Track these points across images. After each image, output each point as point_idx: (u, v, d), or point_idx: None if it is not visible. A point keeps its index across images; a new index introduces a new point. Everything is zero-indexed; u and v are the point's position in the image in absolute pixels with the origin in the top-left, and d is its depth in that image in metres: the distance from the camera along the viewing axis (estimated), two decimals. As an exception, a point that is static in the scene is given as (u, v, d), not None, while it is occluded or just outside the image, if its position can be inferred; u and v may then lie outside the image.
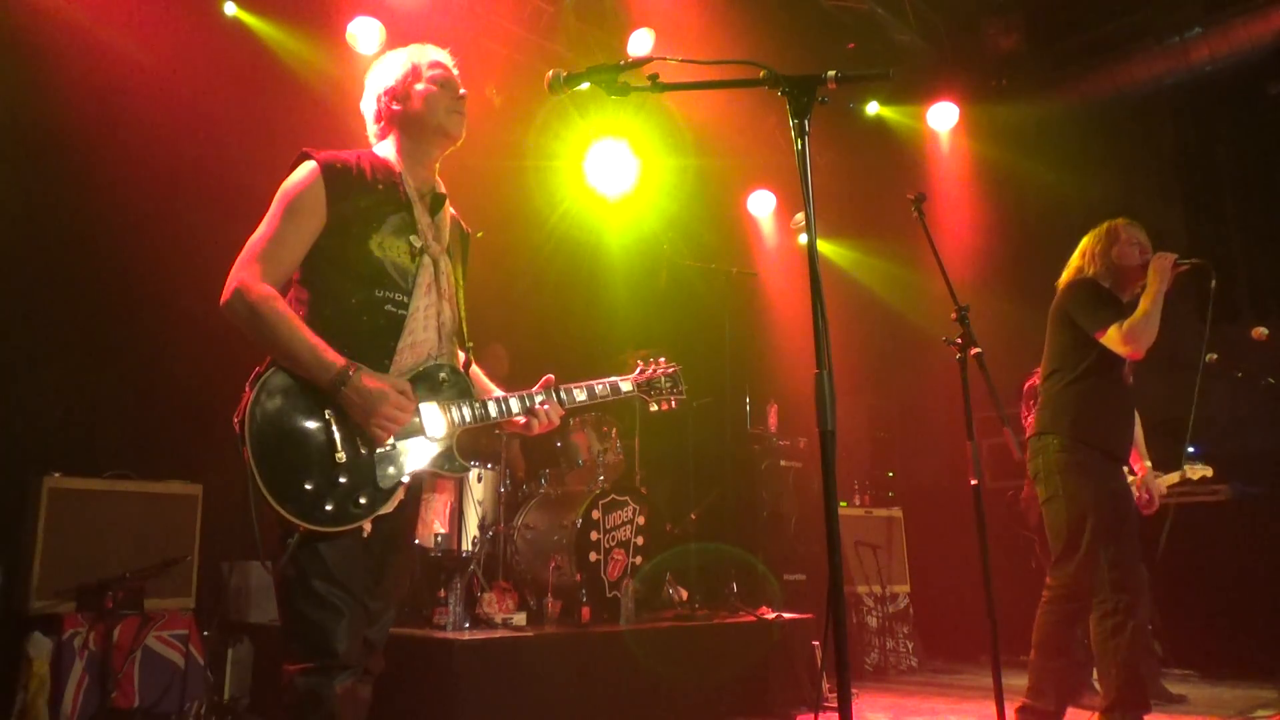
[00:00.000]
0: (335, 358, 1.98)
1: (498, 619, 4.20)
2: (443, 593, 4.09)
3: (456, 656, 3.51)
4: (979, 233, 6.98)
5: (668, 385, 2.58)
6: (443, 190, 2.32)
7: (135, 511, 4.12)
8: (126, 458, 4.29)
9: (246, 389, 2.00)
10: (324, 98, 5.02)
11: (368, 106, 2.32)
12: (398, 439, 2.07)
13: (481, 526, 4.85)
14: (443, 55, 2.34)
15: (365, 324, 2.09)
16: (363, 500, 1.99)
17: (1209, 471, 4.60)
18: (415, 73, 2.27)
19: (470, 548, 4.78)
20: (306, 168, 2.12)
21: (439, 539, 4.77)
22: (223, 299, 2.01)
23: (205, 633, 4.14)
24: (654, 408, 2.55)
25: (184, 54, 4.87)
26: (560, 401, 2.34)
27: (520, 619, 4.21)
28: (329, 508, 1.95)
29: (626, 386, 2.51)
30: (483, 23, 5.95)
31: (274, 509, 1.90)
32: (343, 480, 1.98)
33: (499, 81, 6.08)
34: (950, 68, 7.03)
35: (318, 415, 1.99)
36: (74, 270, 4.54)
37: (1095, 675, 4.60)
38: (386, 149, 2.27)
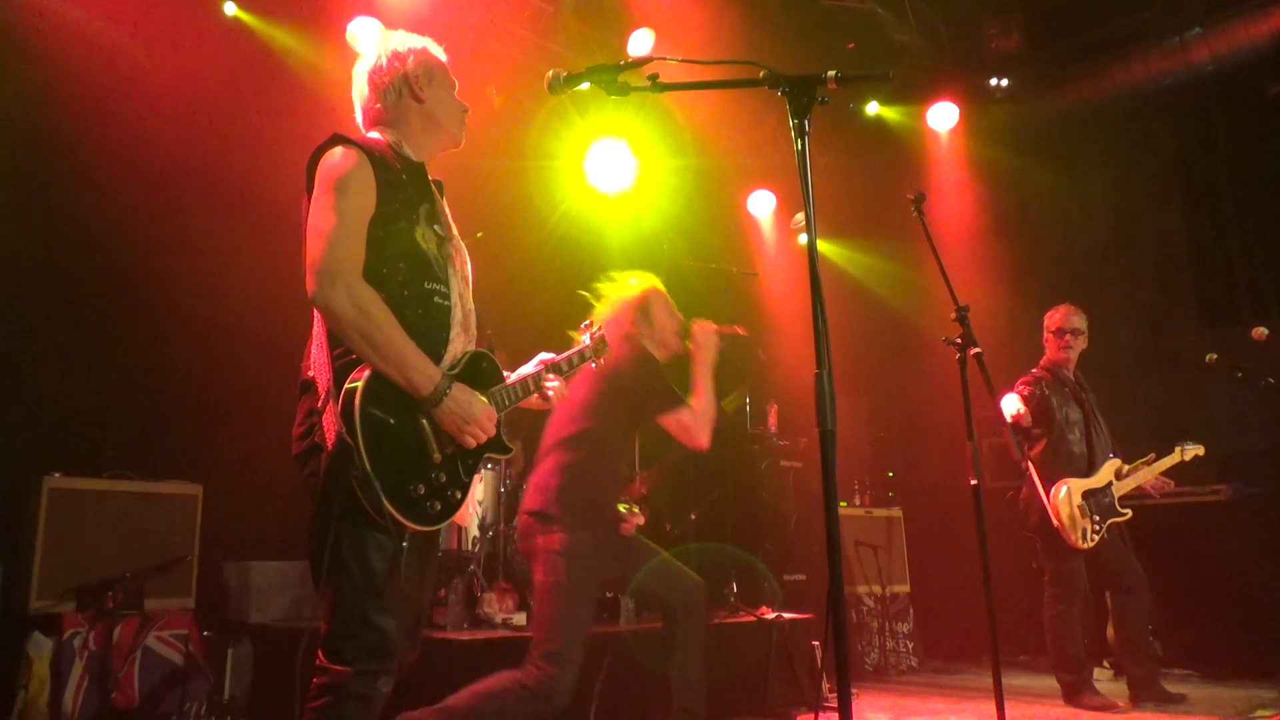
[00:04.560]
0: (435, 365, 2.01)
1: (498, 619, 4.20)
2: (443, 593, 4.09)
3: (456, 656, 3.51)
4: (979, 233, 6.98)
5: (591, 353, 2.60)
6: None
7: (135, 511, 4.10)
8: (126, 458, 4.28)
9: (327, 397, 1.94)
10: (324, 98, 5.01)
11: (375, 81, 2.21)
12: None
13: (481, 526, 4.84)
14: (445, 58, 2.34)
15: (420, 316, 2.05)
16: (458, 495, 2.04)
17: (1200, 450, 4.68)
18: (439, 72, 2.27)
19: (470, 548, 4.78)
20: (347, 151, 2.04)
21: (440, 539, 4.77)
22: (317, 291, 1.91)
23: (205, 633, 4.14)
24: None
25: (184, 54, 4.86)
26: (561, 373, 2.42)
27: (520, 619, 4.21)
28: (438, 507, 1.99)
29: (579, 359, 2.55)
30: (483, 23, 5.94)
31: (388, 513, 1.87)
32: (442, 479, 2.01)
33: (499, 81, 6.07)
34: (950, 68, 7.03)
35: (412, 417, 1.99)
36: (74, 270, 4.54)
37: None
38: (393, 136, 2.20)
